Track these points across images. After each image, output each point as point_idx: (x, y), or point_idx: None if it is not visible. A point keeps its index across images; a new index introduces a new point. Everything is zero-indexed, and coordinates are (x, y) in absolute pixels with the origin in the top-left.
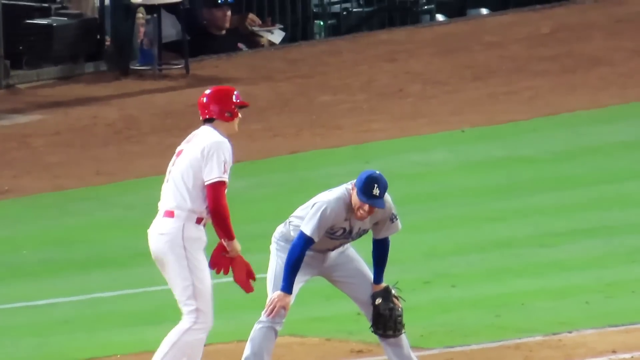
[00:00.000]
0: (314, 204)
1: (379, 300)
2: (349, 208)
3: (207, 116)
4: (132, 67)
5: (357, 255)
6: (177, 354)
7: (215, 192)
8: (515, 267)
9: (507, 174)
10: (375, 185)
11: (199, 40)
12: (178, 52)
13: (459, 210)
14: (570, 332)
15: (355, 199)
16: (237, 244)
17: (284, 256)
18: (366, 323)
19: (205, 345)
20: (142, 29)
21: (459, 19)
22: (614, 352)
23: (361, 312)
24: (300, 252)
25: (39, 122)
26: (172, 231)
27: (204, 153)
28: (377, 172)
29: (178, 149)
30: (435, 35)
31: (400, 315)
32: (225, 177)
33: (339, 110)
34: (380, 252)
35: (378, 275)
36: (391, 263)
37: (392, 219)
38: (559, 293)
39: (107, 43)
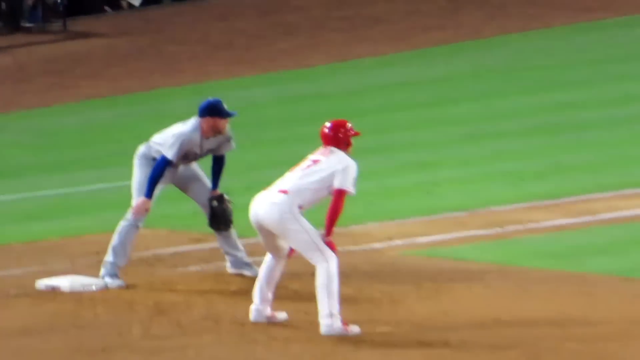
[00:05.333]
0: (173, 134)
1: (215, 203)
2: (202, 134)
3: (331, 145)
4: (22, 24)
5: (199, 169)
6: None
7: (341, 196)
8: None
9: (310, 106)
10: (223, 104)
11: (74, 4)
12: (58, 12)
13: (273, 134)
14: (358, 225)
15: (211, 124)
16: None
17: (145, 170)
18: (203, 219)
19: (78, 236)
20: None
21: None
22: (390, 239)
23: (201, 211)
24: (162, 170)
25: None
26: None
27: (342, 168)
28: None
29: (314, 157)
30: (255, 0)
31: (231, 214)
32: (353, 190)
33: (183, 58)
34: (218, 167)
35: (215, 184)
36: (224, 175)
37: (229, 139)
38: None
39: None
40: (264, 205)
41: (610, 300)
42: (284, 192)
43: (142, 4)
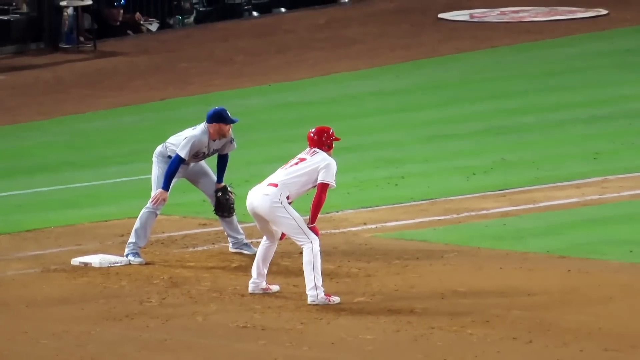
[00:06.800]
0: (185, 137)
1: (219, 194)
2: (209, 137)
3: (315, 147)
4: (60, 45)
5: (206, 165)
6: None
7: (324, 189)
8: None
9: (297, 112)
10: (227, 111)
11: (103, 28)
12: (90, 35)
13: (267, 135)
14: (337, 212)
15: (217, 129)
16: (315, 226)
17: (163, 166)
18: (209, 207)
19: (106, 221)
20: (66, 21)
21: (267, 14)
22: (364, 224)
23: (207, 200)
24: (177, 166)
25: (2, 81)
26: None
27: (324, 166)
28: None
29: (300, 156)
30: (252, 25)
31: (233, 203)
32: (334, 183)
33: (192, 73)
34: (222, 163)
35: (220, 177)
36: (227, 170)
37: (232, 141)
38: (332, 189)
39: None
40: (258, 196)
41: (548, 274)
42: (274, 185)
43: (158, 29)
